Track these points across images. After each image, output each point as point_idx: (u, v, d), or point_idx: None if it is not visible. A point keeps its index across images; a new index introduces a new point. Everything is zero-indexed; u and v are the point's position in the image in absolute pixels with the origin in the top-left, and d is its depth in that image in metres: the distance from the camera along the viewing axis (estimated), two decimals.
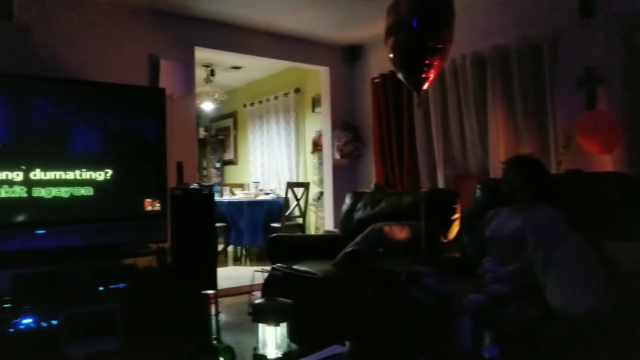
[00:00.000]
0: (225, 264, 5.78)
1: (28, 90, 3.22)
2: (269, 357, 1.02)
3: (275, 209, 5.81)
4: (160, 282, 3.38)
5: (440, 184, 4.06)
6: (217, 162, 8.04)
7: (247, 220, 5.66)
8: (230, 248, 6.05)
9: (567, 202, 2.29)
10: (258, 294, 3.81)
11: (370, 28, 4.46)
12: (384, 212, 3.26)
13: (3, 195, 3.05)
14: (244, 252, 5.98)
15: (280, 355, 1.03)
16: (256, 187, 6.44)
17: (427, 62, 2.41)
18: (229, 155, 7.97)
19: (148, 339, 3.11)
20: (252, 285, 3.04)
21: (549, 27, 3.36)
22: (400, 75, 2.71)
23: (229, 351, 1.06)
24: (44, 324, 2.89)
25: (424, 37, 2.39)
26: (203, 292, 1.04)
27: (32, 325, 2.86)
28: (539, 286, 1.97)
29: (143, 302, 3.22)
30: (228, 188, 6.83)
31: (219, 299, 3.09)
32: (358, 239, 2.91)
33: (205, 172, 7.74)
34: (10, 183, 3.08)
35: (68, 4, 3.71)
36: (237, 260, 5.99)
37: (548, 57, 3.35)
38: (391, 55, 2.66)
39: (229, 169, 8.03)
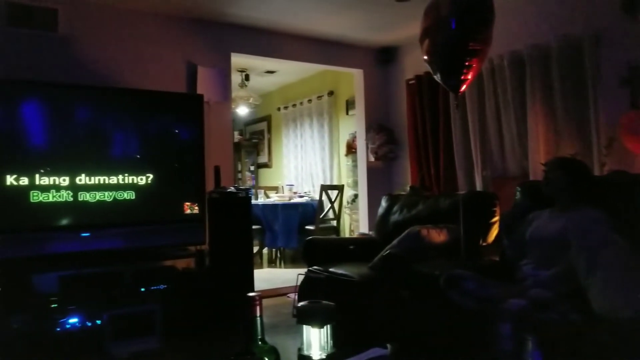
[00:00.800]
0: (260, 266, 5.85)
1: (73, 99, 3.35)
2: (313, 358, 1.03)
3: (310, 211, 5.85)
4: (199, 284, 3.46)
5: (478, 186, 3.99)
6: (251, 165, 8.15)
7: (282, 222, 5.71)
8: (264, 250, 6.12)
9: (611, 204, 2.22)
10: (292, 296, 3.84)
11: (404, 29, 4.45)
12: (421, 215, 3.24)
13: (50, 199, 3.18)
14: (278, 255, 6.04)
15: (324, 357, 1.05)
16: (290, 189, 6.49)
17: (466, 63, 2.39)
18: (262, 159, 8.06)
19: (188, 339, 3.19)
20: (295, 287, 3.06)
21: (591, 25, 3.26)
22: (437, 77, 2.69)
23: (274, 352, 1.09)
24: (89, 324, 3.00)
25: (464, 39, 2.36)
26: (248, 294, 1.06)
27: (77, 324, 2.98)
28: (582, 290, 1.90)
29: (182, 303, 3.31)
30: (262, 191, 6.91)
31: None
32: (395, 242, 2.90)
33: (239, 175, 7.85)
34: (57, 188, 3.21)
35: (109, 14, 3.85)
36: (271, 263, 6.06)
37: (589, 56, 3.25)
38: (427, 57, 2.65)
39: (262, 171, 8.13)
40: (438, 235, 2.87)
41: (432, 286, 2.22)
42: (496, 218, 2.97)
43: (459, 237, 2.80)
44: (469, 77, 2.49)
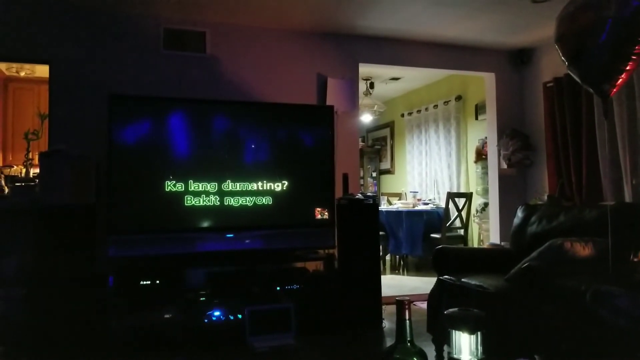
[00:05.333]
0: (383, 273, 5.89)
1: (218, 113, 3.69)
2: None
3: (435, 219, 5.76)
4: (329, 286, 3.61)
5: (627, 197, 3.64)
6: (373, 171, 8.24)
7: (406, 229, 5.70)
8: (387, 257, 6.15)
9: None
10: (419, 304, 3.83)
11: (541, 30, 4.23)
12: (563, 227, 3.03)
13: (201, 203, 3.54)
14: (401, 262, 6.03)
15: None
16: (414, 196, 6.45)
17: (622, 68, 2.22)
18: (385, 165, 8.12)
19: (320, 337, 3.34)
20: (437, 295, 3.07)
21: None
22: (584, 83, 2.52)
23: (422, 355, 1.13)
24: (232, 317, 3.26)
25: (626, 42, 2.20)
26: (398, 298, 1.12)
27: (221, 317, 3.25)
28: None
29: (314, 303, 3.47)
30: (385, 197, 6.95)
31: (383, 306, 3.22)
32: (535, 254, 2.76)
33: (361, 182, 7.98)
34: (207, 193, 3.55)
35: (248, 34, 4.21)
36: (394, 270, 6.07)
37: None
38: (570, 62, 2.50)
39: (385, 178, 8.18)
40: (583, 249, 2.67)
41: (577, 302, 2.10)
42: None
43: (606, 252, 2.58)
44: (621, 81, 2.31)
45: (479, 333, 1.08)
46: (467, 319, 1.09)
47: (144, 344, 3.03)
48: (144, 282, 3.28)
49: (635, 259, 2.67)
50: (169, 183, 3.47)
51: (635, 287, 2.18)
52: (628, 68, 2.28)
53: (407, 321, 1.12)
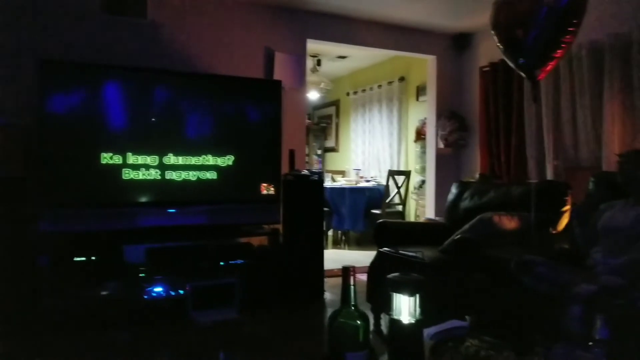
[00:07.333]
0: (326, 247, 6.02)
1: (161, 83, 3.55)
2: (403, 322, 1.16)
3: (376, 196, 5.95)
4: (273, 260, 3.67)
5: (549, 176, 3.94)
6: (319, 149, 8.33)
7: (349, 206, 5.86)
8: (330, 232, 6.29)
9: None
10: (359, 275, 3.98)
11: (481, 16, 4.35)
12: (493, 203, 3.26)
13: (140, 177, 3.43)
14: (343, 237, 6.20)
15: (413, 321, 1.17)
16: (357, 174, 6.61)
17: (553, 55, 2.39)
18: (330, 143, 8.22)
19: (264, 311, 3.41)
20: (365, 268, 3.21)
21: None
22: (517, 68, 2.68)
23: (364, 317, 1.23)
24: (173, 293, 3.24)
25: (559, 30, 2.36)
26: (344, 265, 1.21)
27: (162, 293, 3.23)
28: None
29: (258, 277, 3.52)
30: (329, 174, 7.07)
31: (325, 279, 3.33)
32: (466, 227, 2.96)
33: (307, 159, 8.05)
34: (147, 167, 3.45)
35: (195, 1, 4.06)
36: (336, 244, 6.24)
37: None
38: (505, 48, 2.65)
39: (329, 155, 8.29)
40: (509, 222, 2.91)
41: (504, 270, 2.29)
42: (567, 207, 2.97)
43: (530, 225, 2.83)
44: (549, 66, 2.49)
45: (417, 295, 1.18)
46: (407, 282, 1.19)
47: (79, 322, 2.94)
48: (79, 259, 3.16)
49: (555, 231, 2.95)
50: (106, 155, 3.34)
51: (554, 257, 2.42)
52: (558, 55, 2.46)
53: (352, 287, 1.21)
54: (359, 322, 1.21)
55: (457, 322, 1.42)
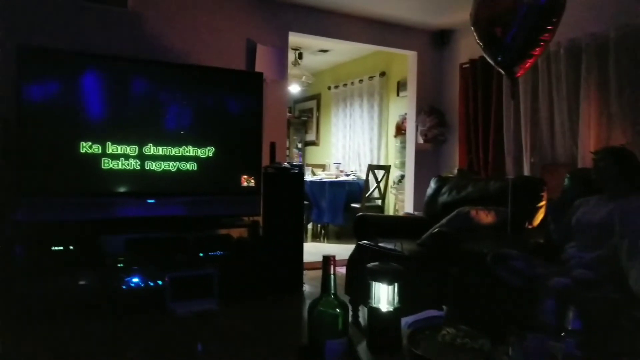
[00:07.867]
0: (305, 240, 6.04)
1: (142, 73, 3.52)
2: (382, 309, 1.19)
3: (356, 190, 5.99)
4: (253, 252, 3.68)
5: (526, 172, 4.03)
6: (299, 142, 8.33)
7: (329, 199, 5.89)
8: (309, 225, 6.32)
9: None
10: (339, 269, 4.01)
11: (462, 13, 4.42)
12: (471, 197, 3.32)
13: (120, 167, 3.40)
14: (322, 231, 6.23)
15: (391, 309, 1.20)
16: (337, 168, 6.64)
17: (532, 52, 2.43)
18: (310, 136, 8.23)
19: (243, 302, 3.42)
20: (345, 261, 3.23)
21: None
22: (497, 65, 2.72)
23: (344, 306, 1.25)
24: (152, 284, 3.23)
25: (538, 29, 2.40)
26: (325, 255, 1.22)
27: (141, 284, 3.22)
28: (623, 273, 2.03)
29: (237, 269, 3.53)
30: (310, 168, 7.09)
31: (304, 271, 3.35)
32: (444, 221, 3.01)
33: (287, 152, 8.03)
34: (127, 156, 3.42)
35: None
36: (315, 237, 6.26)
37: None
38: (485, 44, 2.69)
39: (310, 149, 8.30)
40: (486, 217, 2.97)
41: (480, 263, 2.34)
42: (543, 203, 3.04)
43: (506, 220, 2.89)
44: (528, 64, 2.54)
45: (395, 284, 1.21)
46: (386, 271, 1.21)
47: (56, 312, 2.91)
48: (57, 248, 3.13)
49: (530, 226, 3.02)
50: (85, 144, 3.30)
51: (529, 251, 2.48)
52: (536, 53, 2.51)
53: (332, 276, 1.23)
54: (338, 310, 1.23)
55: (434, 312, 1.45)
